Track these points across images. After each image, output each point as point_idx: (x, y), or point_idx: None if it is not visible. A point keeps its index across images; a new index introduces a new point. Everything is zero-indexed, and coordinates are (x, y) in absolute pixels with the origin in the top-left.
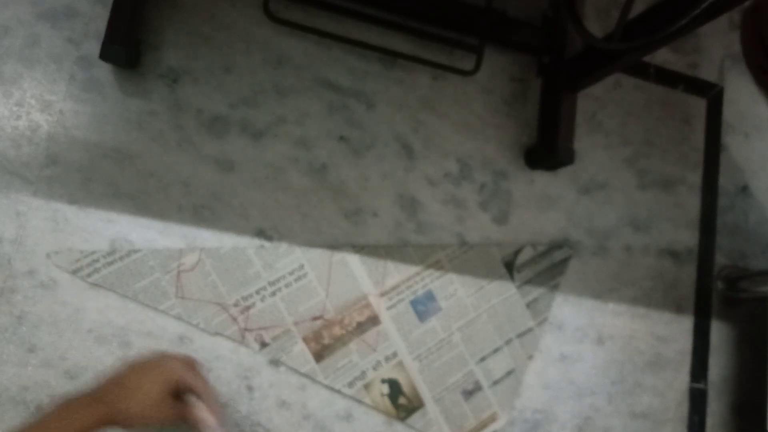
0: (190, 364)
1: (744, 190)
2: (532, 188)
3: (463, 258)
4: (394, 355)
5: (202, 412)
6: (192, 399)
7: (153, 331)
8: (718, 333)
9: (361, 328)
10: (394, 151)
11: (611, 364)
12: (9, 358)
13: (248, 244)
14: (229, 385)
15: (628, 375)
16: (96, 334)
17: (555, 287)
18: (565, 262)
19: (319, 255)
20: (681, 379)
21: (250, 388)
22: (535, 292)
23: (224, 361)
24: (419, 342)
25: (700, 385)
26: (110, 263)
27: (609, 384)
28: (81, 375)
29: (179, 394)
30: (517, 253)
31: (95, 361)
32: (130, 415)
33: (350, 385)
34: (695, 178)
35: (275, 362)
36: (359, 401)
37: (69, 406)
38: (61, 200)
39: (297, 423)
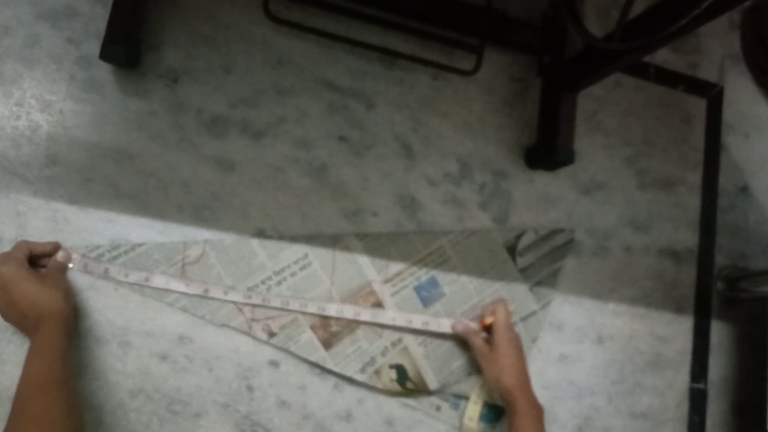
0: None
1: (744, 190)
2: (532, 188)
3: (465, 243)
4: (400, 341)
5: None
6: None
7: (153, 330)
8: (718, 333)
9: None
10: (394, 151)
11: (611, 364)
12: (9, 358)
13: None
14: (230, 385)
15: (628, 375)
16: (96, 334)
17: (558, 270)
18: (567, 245)
19: (322, 244)
20: (681, 379)
21: (250, 388)
22: (538, 275)
23: (224, 361)
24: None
25: (700, 385)
26: (115, 257)
27: (609, 384)
28: (81, 374)
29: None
30: (519, 237)
31: (95, 360)
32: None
33: (362, 371)
34: (695, 178)
35: (278, 359)
36: (372, 387)
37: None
38: (61, 200)
39: (297, 423)
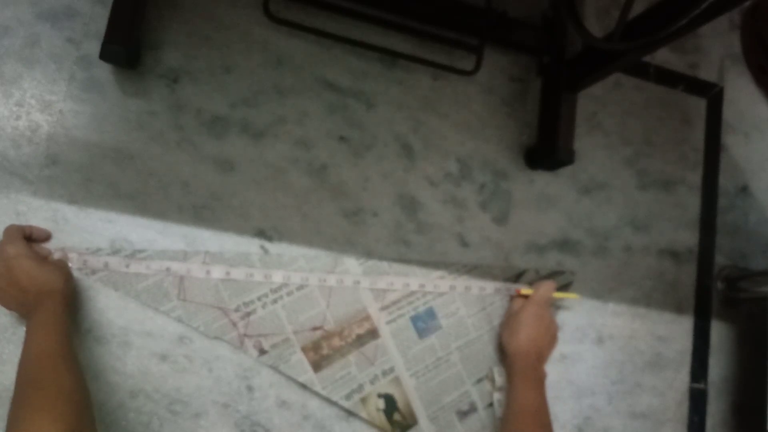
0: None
1: (744, 190)
2: (532, 188)
3: (467, 278)
4: (392, 370)
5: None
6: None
7: (153, 331)
8: (718, 333)
9: (361, 340)
10: (394, 151)
11: (611, 364)
12: (9, 357)
13: (248, 244)
14: (230, 385)
15: (628, 375)
16: (95, 334)
17: (555, 312)
18: (566, 287)
19: (322, 266)
20: (681, 379)
21: (250, 388)
22: None
23: (224, 361)
24: (417, 359)
25: (700, 385)
26: None
27: (609, 384)
28: None
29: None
30: (520, 275)
31: (95, 360)
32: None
33: (347, 397)
34: (695, 178)
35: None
36: (355, 415)
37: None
38: (61, 200)
39: (297, 423)
